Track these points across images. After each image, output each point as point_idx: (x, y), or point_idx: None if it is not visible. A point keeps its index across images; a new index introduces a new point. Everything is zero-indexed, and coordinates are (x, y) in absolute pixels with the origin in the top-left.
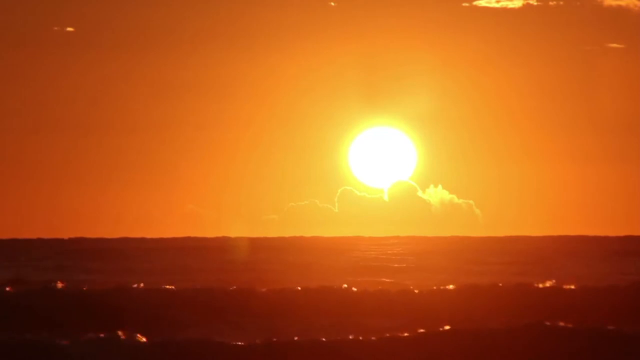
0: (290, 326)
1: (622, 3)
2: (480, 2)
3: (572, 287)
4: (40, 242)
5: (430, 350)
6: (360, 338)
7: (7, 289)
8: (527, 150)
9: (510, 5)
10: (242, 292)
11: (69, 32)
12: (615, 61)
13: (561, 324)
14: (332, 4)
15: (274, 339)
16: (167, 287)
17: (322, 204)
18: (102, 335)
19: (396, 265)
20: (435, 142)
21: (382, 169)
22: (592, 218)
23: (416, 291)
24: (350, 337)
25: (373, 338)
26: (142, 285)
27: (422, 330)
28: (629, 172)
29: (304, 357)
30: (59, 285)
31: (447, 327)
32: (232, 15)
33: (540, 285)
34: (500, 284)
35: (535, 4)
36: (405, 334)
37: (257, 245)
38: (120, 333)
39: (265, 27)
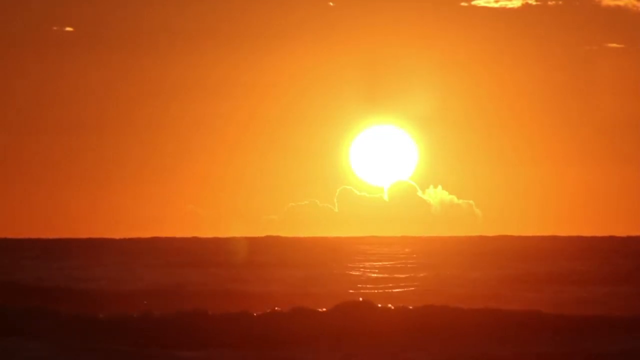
0: None
1: (621, 3)
2: (478, 1)
3: None
4: (40, 241)
5: None
6: None
7: None
8: (526, 150)
9: (509, 5)
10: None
11: (68, 32)
12: (614, 61)
13: None
14: (331, 4)
15: None
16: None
17: (322, 204)
18: None
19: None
20: (435, 142)
21: (382, 167)
22: (592, 218)
23: None
24: None
25: None
26: None
27: None
28: (629, 171)
29: None
30: None
31: None
32: (232, 16)
33: None
34: None
35: (534, 3)
36: None
37: (257, 245)
38: None
39: (265, 27)
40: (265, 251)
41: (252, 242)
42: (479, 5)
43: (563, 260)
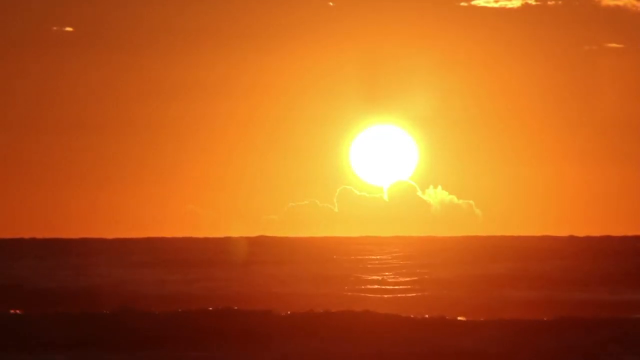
0: None
1: (620, 3)
2: (478, 1)
3: None
4: (40, 242)
5: None
6: None
7: None
8: (527, 150)
9: (509, 5)
10: None
11: (68, 32)
12: (614, 61)
13: None
14: (331, 4)
15: None
16: None
17: (322, 204)
18: None
19: None
20: (435, 142)
21: (382, 167)
22: (592, 218)
23: None
24: None
25: None
26: None
27: None
28: (629, 171)
29: None
30: None
31: None
32: (232, 16)
33: None
34: None
35: (534, 3)
36: None
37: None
38: None
39: (265, 27)
40: (249, 251)
41: (237, 242)
42: (478, 5)
43: (543, 261)
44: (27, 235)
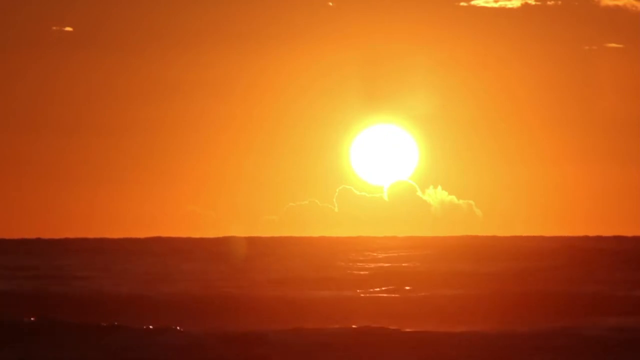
0: None
1: (620, 3)
2: (478, 1)
3: None
4: (39, 242)
5: None
6: None
7: None
8: (527, 150)
9: (509, 5)
10: None
11: (68, 32)
12: (614, 61)
13: None
14: (330, 3)
15: None
16: None
17: (322, 204)
18: None
19: None
20: (435, 142)
21: (382, 167)
22: (592, 218)
23: None
24: None
25: None
26: None
27: None
28: (629, 172)
29: None
30: None
31: None
32: (232, 16)
33: None
34: None
35: (534, 3)
36: None
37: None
38: None
39: (265, 27)
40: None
41: (217, 242)
42: (478, 5)
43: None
44: (25, 235)
